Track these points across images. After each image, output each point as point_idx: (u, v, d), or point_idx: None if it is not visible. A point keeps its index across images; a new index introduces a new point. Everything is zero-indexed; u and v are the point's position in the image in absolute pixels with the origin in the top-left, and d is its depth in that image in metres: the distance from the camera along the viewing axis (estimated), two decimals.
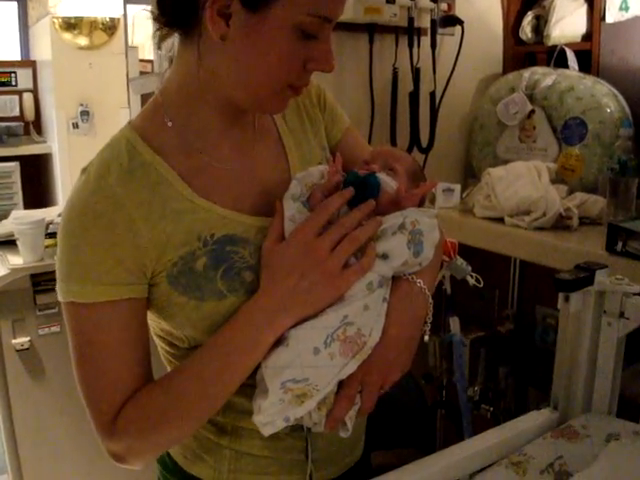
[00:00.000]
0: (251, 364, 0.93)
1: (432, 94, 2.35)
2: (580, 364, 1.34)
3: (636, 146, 2.00)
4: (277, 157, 1.11)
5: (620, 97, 2.20)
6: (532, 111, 2.32)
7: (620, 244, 1.79)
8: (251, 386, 0.95)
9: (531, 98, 2.33)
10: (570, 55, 2.35)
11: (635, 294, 1.28)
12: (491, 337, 2.32)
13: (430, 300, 1.04)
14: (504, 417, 2.24)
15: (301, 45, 0.91)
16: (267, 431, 0.93)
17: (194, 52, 0.95)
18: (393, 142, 2.35)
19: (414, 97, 2.33)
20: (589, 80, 2.24)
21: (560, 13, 2.33)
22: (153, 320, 1.03)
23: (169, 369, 1.08)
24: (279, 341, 0.93)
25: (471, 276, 1.36)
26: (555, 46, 2.38)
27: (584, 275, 1.30)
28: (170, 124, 0.99)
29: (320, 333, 0.93)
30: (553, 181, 2.19)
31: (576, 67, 2.34)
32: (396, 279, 1.01)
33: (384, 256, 0.98)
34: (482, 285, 1.35)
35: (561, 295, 1.31)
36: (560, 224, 2.07)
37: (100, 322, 0.93)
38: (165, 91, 1.02)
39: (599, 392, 1.34)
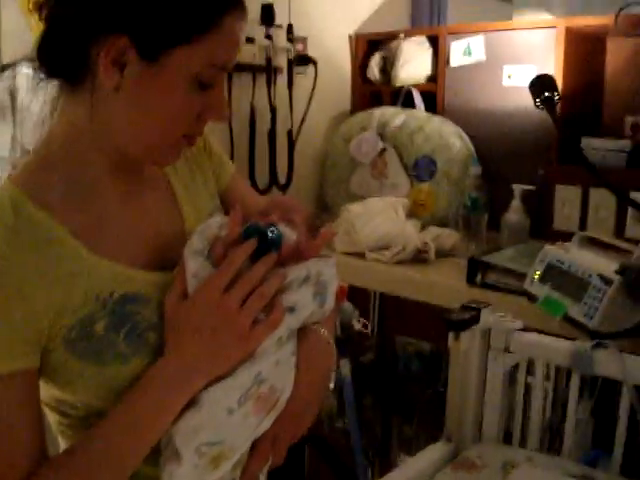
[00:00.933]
0: (161, 429, 0.89)
1: (289, 132, 2.37)
2: (470, 397, 1.40)
3: (484, 183, 2.13)
4: (169, 208, 1.07)
5: (465, 136, 2.35)
6: (383, 149, 2.40)
7: (479, 276, 1.90)
8: (157, 452, 0.90)
9: (382, 137, 2.41)
10: (416, 96, 2.47)
11: (518, 330, 1.36)
12: (355, 368, 2.36)
13: (334, 348, 1.05)
14: (372, 447, 2.29)
15: (197, 95, 0.90)
16: None
17: (82, 102, 0.90)
18: (252, 180, 2.35)
19: (272, 135, 2.34)
20: (436, 120, 2.36)
21: (406, 56, 2.45)
22: (43, 388, 0.94)
23: (61, 441, 1.00)
24: (190, 403, 0.89)
25: (358, 321, 1.38)
26: (402, 87, 2.50)
27: (471, 315, 1.36)
28: (57, 178, 0.92)
29: (233, 393, 0.90)
30: (407, 216, 2.28)
31: (422, 107, 2.46)
32: (301, 330, 1.00)
33: (291, 309, 0.97)
34: (369, 331, 1.38)
35: (451, 334, 1.36)
36: (418, 257, 2.16)
37: None
38: (49, 143, 0.95)
39: (488, 422, 1.40)
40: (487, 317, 1.37)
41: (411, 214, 2.32)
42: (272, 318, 0.93)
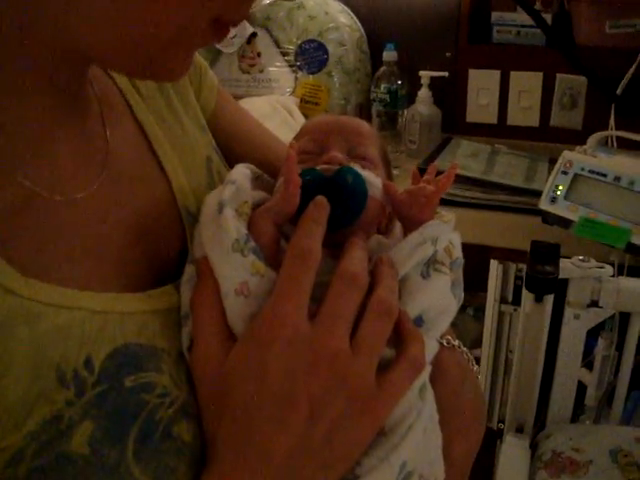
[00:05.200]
0: None
1: None
2: (537, 371, 1.01)
3: (399, 71, 1.67)
4: (143, 159, 0.56)
5: (353, 15, 1.84)
6: (253, 34, 1.82)
7: None
8: None
9: (249, 17, 1.82)
10: None
11: (611, 277, 0.97)
12: None
13: (477, 368, 0.62)
14: None
15: None
16: None
17: None
18: None
19: None
20: None
21: None
22: None
23: None
24: None
25: None
26: None
27: (552, 266, 0.94)
28: None
29: None
30: None
31: None
32: None
33: (418, 321, 0.51)
34: None
35: (530, 296, 0.94)
36: None
37: None
38: None
39: (561, 398, 1.03)
40: (564, 263, 0.96)
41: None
42: (412, 353, 0.47)
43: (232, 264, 0.47)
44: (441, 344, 0.56)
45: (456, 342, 0.59)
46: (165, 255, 0.53)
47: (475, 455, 0.59)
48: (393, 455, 0.46)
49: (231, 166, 0.66)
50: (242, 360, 0.44)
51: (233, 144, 0.71)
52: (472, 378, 0.60)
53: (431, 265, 0.53)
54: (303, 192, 0.51)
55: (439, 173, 0.63)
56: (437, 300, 0.53)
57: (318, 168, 0.56)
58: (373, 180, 0.57)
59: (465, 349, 0.60)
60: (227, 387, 0.44)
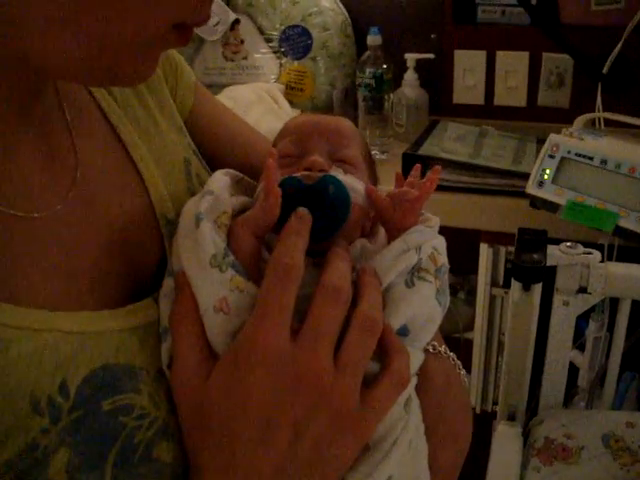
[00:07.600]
0: None
1: None
2: (527, 358, 1.00)
3: (383, 55, 1.65)
4: (120, 173, 0.54)
5: None
6: (236, 21, 1.79)
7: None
8: None
9: (231, 4, 1.79)
10: None
11: (600, 262, 0.96)
12: None
13: (464, 372, 0.61)
14: None
15: None
16: None
17: None
18: None
19: None
20: None
21: None
22: None
23: None
24: None
25: None
26: None
27: (539, 254, 0.93)
28: None
29: None
30: None
31: None
32: None
33: (403, 331, 0.50)
34: None
35: (517, 285, 0.93)
36: None
37: None
38: None
39: (552, 383, 1.02)
40: (551, 250, 0.95)
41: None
42: (396, 368, 0.47)
43: (210, 280, 0.47)
44: (427, 350, 0.55)
45: (442, 348, 0.58)
46: (143, 266, 0.52)
47: (462, 463, 0.59)
48: (378, 470, 0.46)
49: (211, 167, 0.64)
50: (223, 383, 0.43)
51: (213, 143, 0.69)
52: (458, 384, 0.59)
53: (415, 273, 0.52)
54: (284, 201, 0.50)
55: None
56: (422, 309, 0.52)
57: (299, 175, 0.54)
58: (355, 186, 0.56)
59: (452, 354, 0.59)
60: (209, 409, 0.43)
